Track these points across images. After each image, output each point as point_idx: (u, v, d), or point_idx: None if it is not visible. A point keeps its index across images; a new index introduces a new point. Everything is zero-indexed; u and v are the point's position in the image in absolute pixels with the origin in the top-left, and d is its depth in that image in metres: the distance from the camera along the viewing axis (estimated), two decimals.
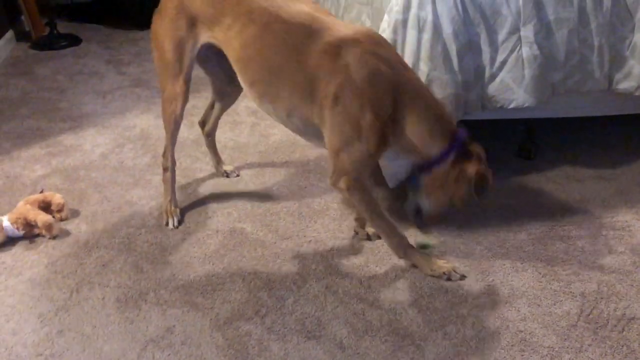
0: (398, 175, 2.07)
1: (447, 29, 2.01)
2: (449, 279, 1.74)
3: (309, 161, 2.46)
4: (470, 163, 1.65)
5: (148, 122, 2.81)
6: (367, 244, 1.93)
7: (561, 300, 1.69)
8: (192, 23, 1.84)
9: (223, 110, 2.26)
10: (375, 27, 2.26)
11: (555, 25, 2.10)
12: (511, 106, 2.11)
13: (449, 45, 2.01)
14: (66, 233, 2.00)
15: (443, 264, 1.76)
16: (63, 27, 4.22)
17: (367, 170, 1.73)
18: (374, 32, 1.71)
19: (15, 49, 3.96)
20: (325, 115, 1.64)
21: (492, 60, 2.07)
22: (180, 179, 2.28)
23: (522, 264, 1.84)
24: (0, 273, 1.81)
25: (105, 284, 1.77)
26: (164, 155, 2.07)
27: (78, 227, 2.04)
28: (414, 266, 1.79)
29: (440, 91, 2.01)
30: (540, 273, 1.80)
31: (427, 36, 2.00)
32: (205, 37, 1.85)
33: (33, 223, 1.95)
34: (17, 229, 1.94)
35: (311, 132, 1.76)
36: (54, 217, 2.02)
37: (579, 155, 2.46)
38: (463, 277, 1.76)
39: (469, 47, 2.05)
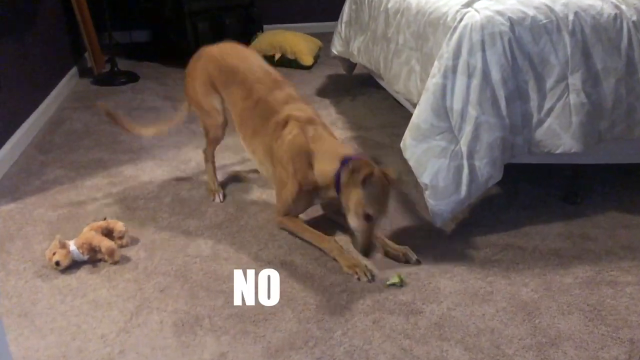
0: (444, 214, 2.13)
1: (495, 75, 2.08)
2: (358, 279, 2.00)
3: None
4: (348, 171, 2.03)
5: (202, 157, 2.93)
6: (414, 283, 1.98)
7: (609, 345, 1.70)
8: (214, 84, 2.50)
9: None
10: (424, 72, 2.36)
11: (602, 74, 2.15)
12: (558, 151, 2.16)
13: (498, 91, 2.08)
14: (126, 259, 2.12)
15: (360, 262, 2.05)
16: (122, 64, 4.47)
17: (296, 209, 2.26)
18: (311, 113, 2.30)
19: (78, 84, 4.21)
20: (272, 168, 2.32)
21: (540, 106, 2.12)
22: (232, 211, 2.42)
23: (568, 307, 1.85)
24: (67, 294, 1.93)
25: (162, 309, 1.86)
26: (205, 151, 2.65)
27: (137, 254, 2.15)
28: (335, 260, 2.09)
29: (488, 134, 2.07)
30: (587, 317, 1.81)
31: (476, 82, 2.08)
32: (220, 94, 2.51)
33: (97, 248, 2.08)
34: (82, 253, 2.06)
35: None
36: (115, 243, 2.15)
37: (625, 201, 2.47)
38: (371, 279, 1.98)
39: (517, 94, 2.11)
